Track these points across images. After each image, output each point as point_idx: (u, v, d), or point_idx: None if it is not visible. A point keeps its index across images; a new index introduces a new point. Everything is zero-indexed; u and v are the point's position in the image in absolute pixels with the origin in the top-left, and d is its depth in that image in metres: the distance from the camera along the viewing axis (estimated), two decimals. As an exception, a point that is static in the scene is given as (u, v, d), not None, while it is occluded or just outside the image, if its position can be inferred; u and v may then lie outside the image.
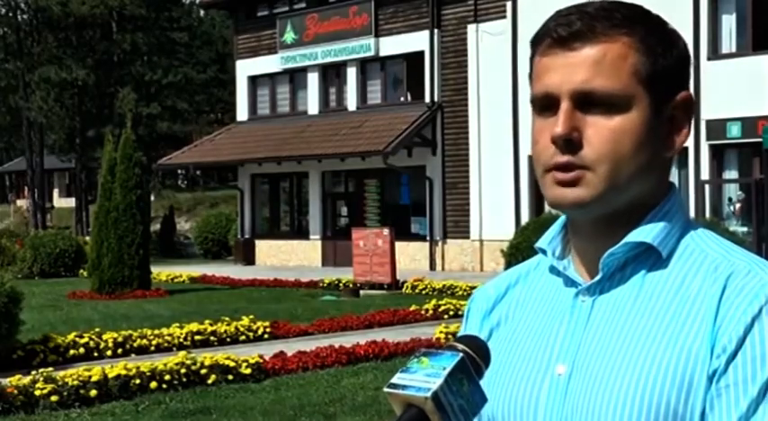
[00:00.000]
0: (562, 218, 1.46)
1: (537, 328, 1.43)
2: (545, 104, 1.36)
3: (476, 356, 1.23)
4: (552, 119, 1.35)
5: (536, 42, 1.39)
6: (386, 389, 1.22)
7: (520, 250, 18.74)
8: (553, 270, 1.46)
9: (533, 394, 1.38)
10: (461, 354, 1.22)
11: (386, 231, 22.41)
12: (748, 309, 1.27)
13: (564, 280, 1.43)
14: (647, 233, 1.36)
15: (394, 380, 1.22)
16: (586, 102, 1.33)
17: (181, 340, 13.06)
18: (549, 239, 1.47)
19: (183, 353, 10.68)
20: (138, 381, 9.77)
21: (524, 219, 25.25)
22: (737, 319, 1.27)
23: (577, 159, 1.33)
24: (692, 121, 1.43)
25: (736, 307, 1.28)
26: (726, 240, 1.39)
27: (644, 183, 1.36)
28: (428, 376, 1.20)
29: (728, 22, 23.60)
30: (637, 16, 1.37)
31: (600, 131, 1.33)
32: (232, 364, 10.45)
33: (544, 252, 1.47)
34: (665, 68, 1.36)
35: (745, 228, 22.85)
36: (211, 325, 13.67)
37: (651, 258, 1.37)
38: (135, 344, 12.67)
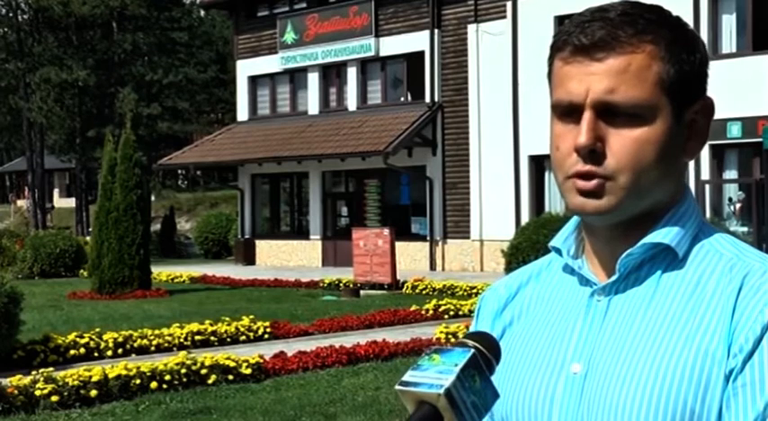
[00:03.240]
0: (576, 218, 1.46)
1: (551, 327, 1.43)
2: (567, 111, 1.35)
3: (486, 352, 1.23)
4: (574, 125, 1.34)
5: (557, 46, 1.37)
6: (397, 387, 1.21)
7: (520, 250, 18.74)
8: (567, 269, 1.45)
9: (548, 393, 1.38)
10: (473, 350, 1.21)
11: (386, 231, 22.42)
12: (765, 309, 1.27)
13: (579, 279, 1.43)
14: (664, 234, 1.36)
15: (405, 377, 1.21)
16: (610, 111, 1.32)
17: (181, 340, 13.05)
18: (564, 238, 1.46)
19: (183, 353, 10.68)
20: (138, 381, 9.77)
21: (524, 219, 25.24)
22: (754, 319, 1.27)
23: (600, 169, 1.32)
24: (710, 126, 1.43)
25: (752, 307, 1.28)
26: (740, 241, 1.39)
27: (663, 189, 1.37)
28: (440, 373, 1.19)
29: (729, 22, 23.61)
30: (660, 21, 1.35)
31: (623, 142, 1.32)
32: (232, 364, 10.45)
33: (559, 251, 1.46)
34: (688, 75, 1.36)
35: (745, 229, 22.86)
36: (212, 325, 13.67)
37: (667, 259, 1.37)
38: (135, 345, 12.67)
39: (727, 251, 1.36)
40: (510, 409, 1.42)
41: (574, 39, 1.34)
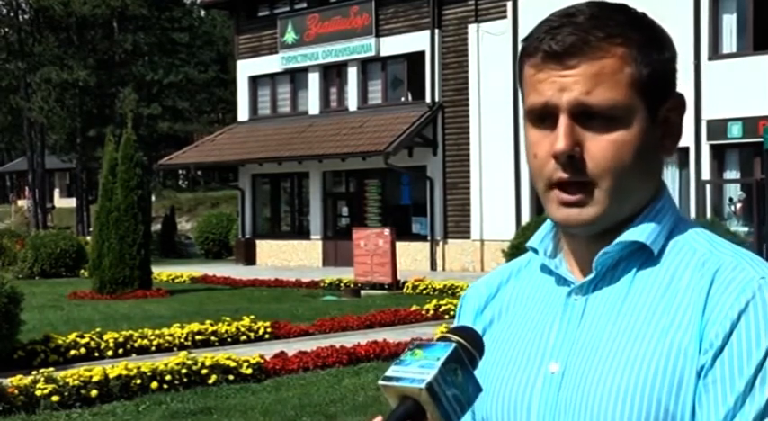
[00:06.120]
0: None
1: (530, 326, 1.43)
2: (542, 116, 1.35)
3: (469, 346, 1.24)
4: (550, 131, 1.34)
5: (527, 52, 1.37)
6: (380, 382, 1.22)
7: (521, 250, 18.69)
8: (545, 269, 1.46)
9: (527, 392, 1.39)
10: (455, 344, 1.22)
11: (387, 231, 22.42)
12: (735, 304, 1.27)
13: (556, 278, 1.43)
14: (639, 232, 1.36)
15: (388, 372, 1.22)
16: (585, 115, 1.32)
17: (182, 340, 13.05)
18: (541, 238, 1.47)
19: (183, 353, 10.68)
20: (138, 381, 9.78)
21: (525, 218, 25.25)
22: (724, 315, 1.28)
23: (580, 176, 1.33)
24: (684, 122, 1.42)
25: (723, 302, 1.28)
26: (716, 237, 1.39)
27: (643, 189, 1.37)
28: (422, 367, 1.20)
29: (729, 22, 23.60)
30: (630, 22, 1.35)
31: (601, 145, 1.32)
32: (233, 364, 10.46)
33: (536, 251, 1.47)
34: (660, 74, 1.36)
35: (746, 229, 22.84)
36: (212, 325, 13.67)
37: (643, 256, 1.37)
38: (136, 345, 12.67)
39: (700, 246, 1.36)
40: (489, 409, 1.42)
41: (545, 45, 1.34)
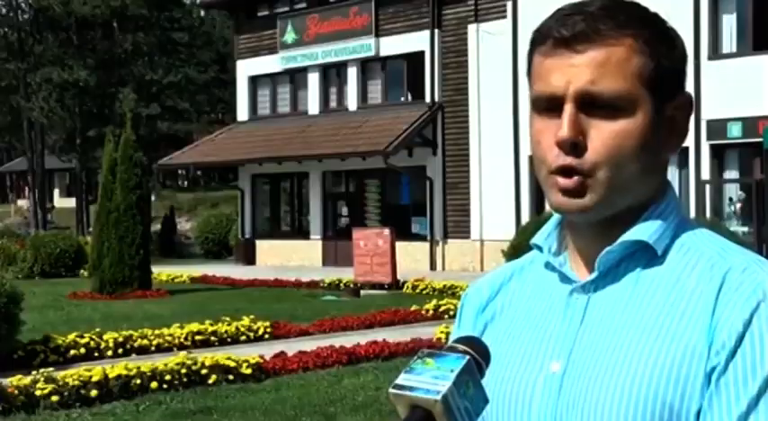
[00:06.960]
0: (558, 214, 1.45)
1: (531, 325, 1.42)
2: (548, 105, 1.35)
3: (479, 359, 1.23)
4: (555, 120, 1.34)
5: (537, 41, 1.38)
6: (391, 391, 1.20)
7: (520, 250, 18.71)
8: (548, 266, 1.45)
9: (527, 391, 1.38)
10: (468, 357, 1.21)
11: (386, 231, 22.43)
12: (746, 306, 1.27)
13: (559, 276, 1.43)
14: (643, 231, 1.36)
15: (399, 381, 1.21)
16: (590, 104, 1.32)
17: (181, 340, 13.05)
18: (546, 236, 1.46)
19: (183, 353, 10.68)
20: (138, 382, 9.77)
21: (525, 218, 25.24)
22: (736, 316, 1.27)
23: (581, 162, 1.32)
24: (691, 122, 1.42)
25: (733, 303, 1.28)
26: (722, 238, 1.39)
27: (645, 184, 1.36)
28: (435, 378, 1.19)
29: (729, 22, 23.60)
30: (640, 17, 1.36)
31: (603, 134, 1.32)
32: (233, 364, 10.45)
33: (540, 248, 1.46)
34: (668, 70, 1.36)
35: (745, 229, 22.85)
36: (212, 325, 13.66)
37: (647, 256, 1.36)
38: (135, 345, 12.66)
39: (707, 248, 1.36)
40: (489, 408, 1.41)
41: (554, 32, 1.34)
